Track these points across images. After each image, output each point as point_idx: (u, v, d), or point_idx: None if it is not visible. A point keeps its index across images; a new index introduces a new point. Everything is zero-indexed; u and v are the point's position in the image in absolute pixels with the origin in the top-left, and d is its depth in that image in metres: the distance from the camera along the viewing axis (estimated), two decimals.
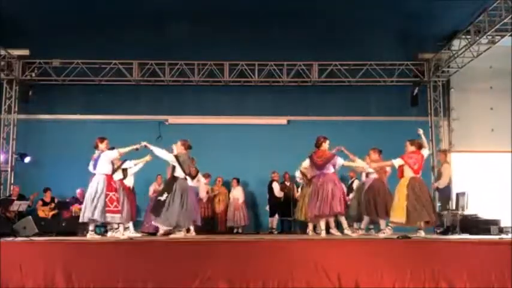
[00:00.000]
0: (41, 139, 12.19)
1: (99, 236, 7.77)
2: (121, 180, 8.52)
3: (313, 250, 5.47)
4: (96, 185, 7.46)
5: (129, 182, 9.02)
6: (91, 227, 7.50)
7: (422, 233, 7.25)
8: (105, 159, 7.56)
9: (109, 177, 7.59)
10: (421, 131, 7.74)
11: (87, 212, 7.38)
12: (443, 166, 9.52)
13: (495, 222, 9.99)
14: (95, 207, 7.36)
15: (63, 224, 10.06)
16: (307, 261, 5.29)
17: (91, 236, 7.40)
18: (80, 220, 7.58)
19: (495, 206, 11.12)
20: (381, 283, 5.24)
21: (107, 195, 7.44)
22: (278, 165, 11.73)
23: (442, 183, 9.39)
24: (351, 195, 10.97)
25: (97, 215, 7.35)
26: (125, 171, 8.62)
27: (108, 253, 5.42)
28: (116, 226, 7.87)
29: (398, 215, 7.35)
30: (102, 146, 7.67)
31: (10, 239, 6.68)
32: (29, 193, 11.15)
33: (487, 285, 5.25)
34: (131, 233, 8.58)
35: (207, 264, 5.25)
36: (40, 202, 11.15)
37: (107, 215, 7.45)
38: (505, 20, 9.76)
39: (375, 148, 8.72)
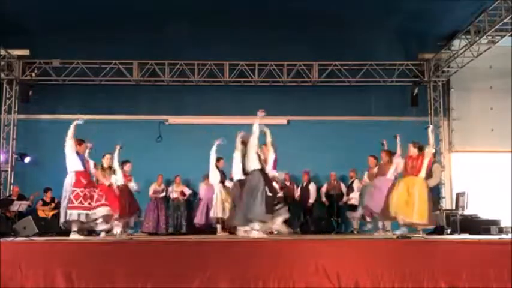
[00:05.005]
0: (41, 139, 12.16)
1: (83, 237, 7.42)
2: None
3: (313, 250, 5.47)
4: (68, 184, 7.34)
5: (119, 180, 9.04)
6: (74, 228, 7.32)
7: (405, 229, 7.39)
8: (67, 154, 7.42)
9: (79, 173, 7.40)
10: (430, 128, 7.97)
11: (64, 213, 7.26)
12: (434, 166, 9.50)
13: (495, 222, 9.99)
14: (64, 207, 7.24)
15: None
16: (307, 261, 5.30)
17: (74, 236, 7.25)
18: (61, 221, 7.42)
19: (495, 206, 11.13)
20: (380, 283, 5.24)
21: (73, 191, 7.25)
22: (278, 165, 11.71)
23: (432, 183, 9.36)
24: (351, 195, 11.05)
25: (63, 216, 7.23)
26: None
27: (108, 253, 5.42)
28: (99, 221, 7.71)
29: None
30: (78, 148, 7.55)
31: (10, 239, 6.68)
32: (29, 193, 11.14)
33: (486, 285, 5.25)
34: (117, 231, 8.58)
35: (207, 264, 5.25)
36: (40, 202, 11.15)
37: (69, 211, 7.23)
38: (505, 20, 9.76)
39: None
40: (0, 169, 12.07)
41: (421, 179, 7.60)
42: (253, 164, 7.51)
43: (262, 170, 7.47)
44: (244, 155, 7.69)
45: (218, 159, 9.32)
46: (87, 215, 7.32)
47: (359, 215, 9.76)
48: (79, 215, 7.28)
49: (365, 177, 9.55)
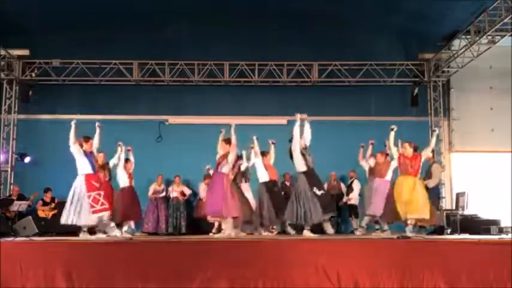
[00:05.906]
0: (41, 139, 12.14)
1: (95, 236, 7.53)
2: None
3: (313, 250, 5.47)
4: (78, 187, 7.32)
5: (124, 182, 9.04)
6: (84, 227, 7.38)
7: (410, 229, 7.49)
8: (75, 158, 7.41)
9: (89, 177, 7.37)
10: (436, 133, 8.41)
11: (70, 215, 7.24)
12: (434, 166, 9.53)
13: (495, 222, 10.00)
14: (79, 211, 7.21)
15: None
16: (307, 261, 5.30)
17: (83, 235, 7.30)
18: (62, 222, 7.40)
19: (495, 206, 11.14)
20: (380, 283, 5.24)
21: (89, 196, 7.23)
22: (278, 165, 11.71)
23: (431, 183, 9.37)
24: (351, 195, 11.05)
25: (83, 220, 7.22)
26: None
27: (108, 253, 5.42)
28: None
29: None
30: (86, 146, 7.50)
31: (10, 239, 6.68)
32: (29, 193, 11.12)
33: (486, 285, 5.25)
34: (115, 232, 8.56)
35: (207, 264, 5.25)
36: (40, 202, 11.14)
37: (94, 216, 7.25)
38: (505, 20, 9.75)
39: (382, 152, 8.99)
40: (0, 169, 12.07)
41: (418, 179, 7.83)
42: (298, 166, 7.63)
43: (307, 172, 7.55)
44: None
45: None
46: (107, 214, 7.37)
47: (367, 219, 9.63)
48: (102, 216, 7.34)
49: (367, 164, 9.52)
